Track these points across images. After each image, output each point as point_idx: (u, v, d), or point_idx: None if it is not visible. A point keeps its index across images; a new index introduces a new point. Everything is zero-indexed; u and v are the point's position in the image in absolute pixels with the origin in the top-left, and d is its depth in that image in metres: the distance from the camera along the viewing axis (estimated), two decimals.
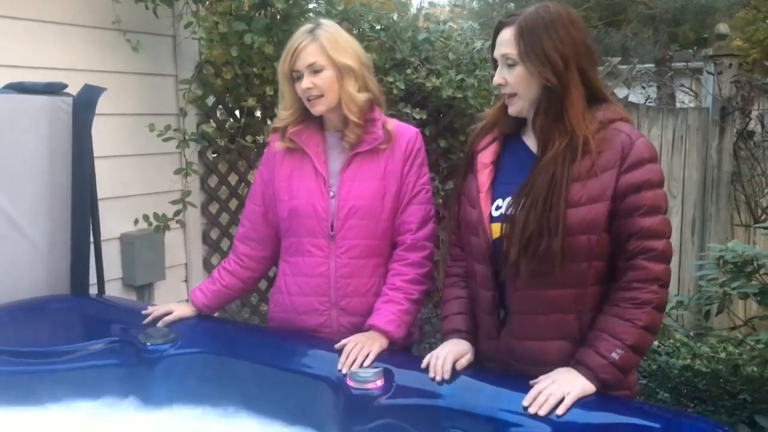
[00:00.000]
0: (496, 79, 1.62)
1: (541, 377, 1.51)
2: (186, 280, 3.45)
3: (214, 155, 3.31)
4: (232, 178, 3.48)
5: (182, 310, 2.05)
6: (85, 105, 2.19)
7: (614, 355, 1.50)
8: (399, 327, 1.83)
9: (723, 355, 3.19)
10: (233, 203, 3.50)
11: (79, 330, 2.11)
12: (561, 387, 1.46)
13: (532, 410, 1.44)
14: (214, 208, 3.38)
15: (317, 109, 1.85)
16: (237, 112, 3.26)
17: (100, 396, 1.80)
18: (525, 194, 1.56)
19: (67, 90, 2.27)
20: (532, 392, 1.48)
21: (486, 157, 1.70)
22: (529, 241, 1.53)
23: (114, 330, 2.00)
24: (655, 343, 3.29)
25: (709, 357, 3.20)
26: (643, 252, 1.53)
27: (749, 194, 5.51)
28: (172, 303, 2.14)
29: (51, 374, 1.80)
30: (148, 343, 1.85)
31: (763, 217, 5.43)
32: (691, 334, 3.11)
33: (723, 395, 2.84)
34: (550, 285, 1.57)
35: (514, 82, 1.59)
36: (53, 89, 2.19)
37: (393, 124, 1.94)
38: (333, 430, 1.60)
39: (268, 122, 3.13)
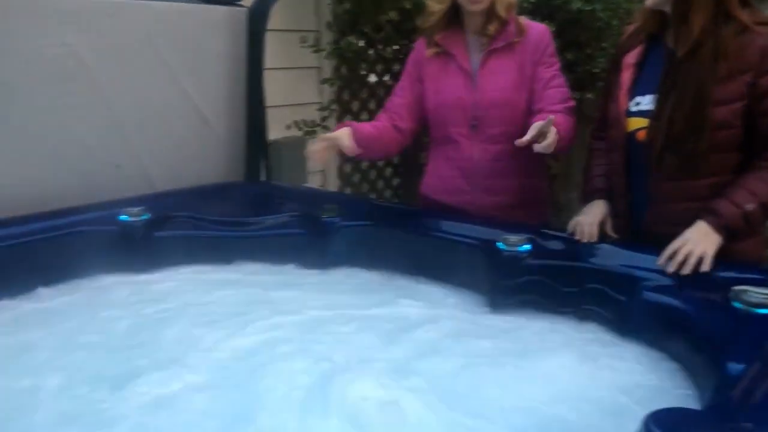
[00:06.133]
0: None
1: (674, 242, 1.65)
2: (323, 185, 3.79)
3: (348, 70, 3.54)
4: (364, 93, 3.75)
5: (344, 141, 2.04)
6: (259, 15, 2.47)
7: (748, 206, 1.61)
8: None
9: None
10: (364, 116, 3.78)
11: (264, 206, 2.43)
12: (697, 246, 1.61)
13: (671, 269, 1.60)
14: (347, 119, 3.68)
15: (477, 6, 2.05)
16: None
17: (285, 258, 2.14)
18: (669, 91, 1.69)
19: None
20: (667, 251, 1.63)
21: (631, 58, 1.85)
22: (677, 138, 1.67)
23: (292, 206, 2.32)
24: None
25: None
26: None
27: None
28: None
29: (244, 240, 2.16)
30: (324, 216, 2.17)
31: None
32: None
33: None
34: (692, 175, 1.71)
35: None
36: (231, 0, 2.48)
37: (524, 19, 2.14)
38: (486, 286, 1.86)
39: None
